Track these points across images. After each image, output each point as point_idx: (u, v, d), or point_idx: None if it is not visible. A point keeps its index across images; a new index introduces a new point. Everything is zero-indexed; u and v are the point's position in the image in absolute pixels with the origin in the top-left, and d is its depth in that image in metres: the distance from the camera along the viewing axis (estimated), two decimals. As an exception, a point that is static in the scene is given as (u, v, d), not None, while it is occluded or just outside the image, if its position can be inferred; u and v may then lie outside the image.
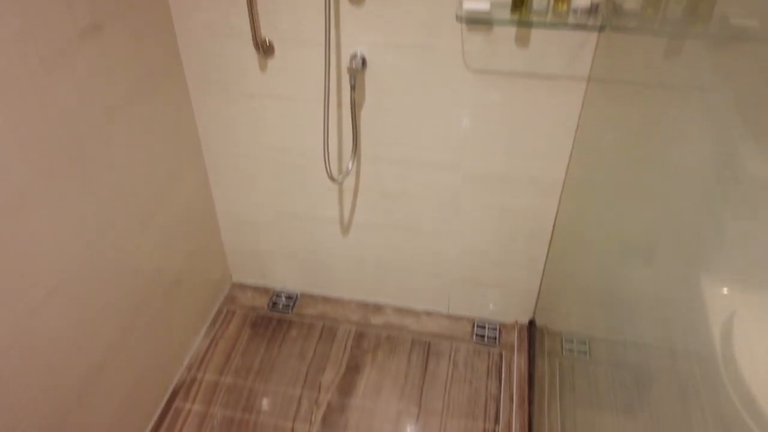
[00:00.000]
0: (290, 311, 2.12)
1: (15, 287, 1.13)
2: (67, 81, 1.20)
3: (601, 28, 1.32)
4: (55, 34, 1.15)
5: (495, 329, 2.04)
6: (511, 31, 1.41)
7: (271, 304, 2.14)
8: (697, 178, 0.80)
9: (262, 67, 1.60)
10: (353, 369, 1.91)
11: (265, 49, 1.54)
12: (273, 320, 2.08)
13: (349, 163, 1.73)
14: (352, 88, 1.53)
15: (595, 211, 1.35)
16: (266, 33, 1.53)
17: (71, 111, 1.22)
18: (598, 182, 1.34)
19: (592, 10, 1.33)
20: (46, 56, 1.13)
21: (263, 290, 2.20)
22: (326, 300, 2.16)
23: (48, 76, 1.14)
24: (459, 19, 1.35)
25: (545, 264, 1.87)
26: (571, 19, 1.34)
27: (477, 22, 1.38)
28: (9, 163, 1.08)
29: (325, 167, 1.61)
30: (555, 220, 1.75)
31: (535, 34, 1.41)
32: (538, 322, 1.97)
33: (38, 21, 1.10)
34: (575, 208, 1.56)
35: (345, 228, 1.93)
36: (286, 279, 2.16)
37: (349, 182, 1.81)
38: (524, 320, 2.06)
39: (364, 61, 1.53)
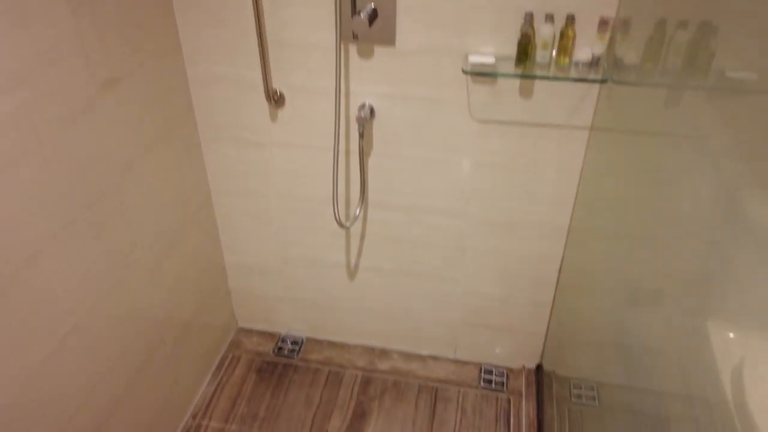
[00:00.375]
0: (296, 356, 2.11)
1: (28, 335, 1.14)
2: (85, 135, 1.24)
3: (602, 81, 1.37)
4: (75, 90, 1.20)
5: (502, 374, 2.03)
6: (515, 83, 1.46)
7: (276, 349, 2.13)
8: (701, 224, 0.82)
9: (273, 117, 1.65)
10: (360, 416, 1.89)
11: (276, 99, 1.60)
12: (279, 366, 2.07)
13: (356, 209, 1.76)
14: (361, 136, 1.58)
15: (601, 256, 1.36)
16: (277, 84, 1.59)
17: (88, 163, 1.26)
18: (604, 227, 1.37)
19: (593, 62, 1.38)
20: (66, 112, 1.18)
21: (269, 335, 2.19)
22: (332, 345, 2.15)
23: (67, 131, 1.19)
24: (465, 72, 1.40)
25: (552, 308, 1.88)
26: (573, 72, 1.39)
27: (482, 74, 1.43)
28: (27, 213, 1.11)
29: (334, 213, 1.64)
30: (561, 264, 1.76)
31: (539, 85, 1.46)
32: (546, 367, 1.96)
33: (59, 78, 1.15)
34: (581, 253, 1.58)
35: (351, 273, 1.94)
36: (292, 324, 2.16)
37: (356, 228, 1.83)
38: (531, 365, 2.05)
39: (372, 111, 1.58)
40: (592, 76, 1.38)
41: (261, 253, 1.97)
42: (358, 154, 1.66)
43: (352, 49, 1.50)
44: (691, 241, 0.86)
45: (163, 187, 1.56)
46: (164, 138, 1.54)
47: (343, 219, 1.80)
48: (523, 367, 2.05)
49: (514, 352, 2.02)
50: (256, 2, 1.41)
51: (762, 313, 0.61)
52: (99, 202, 1.31)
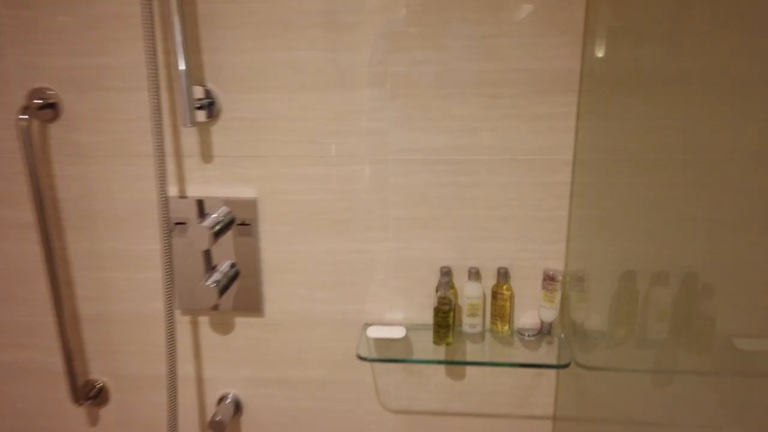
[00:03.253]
0: None
1: None
2: None
3: (562, 366, 0.94)
4: None
5: None
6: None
7: None
8: None
9: (91, 419, 1.11)
10: None
11: (93, 396, 1.08)
12: None
13: None
14: (219, 448, 1.05)
15: None
16: (98, 374, 1.08)
17: None
18: None
19: (544, 331, 0.97)
20: None
21: None
22: None
23: None
24: (362, 358, 0.95)
25: None
26: (517, 344, 0.97)
27: (389, 361, 0.99)
28: None
29: None
30: None
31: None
32: None
33: None
34: None
35: None
36: None
37: None
38: None
39: (238, 406, 1.08)
40: (543, 349, 0.97)
41: None
42: (220, 468, 1.11)
43: (204, 321, 1.04)
44: None
45: None
46: None
47: None
48: None
49: None
50: (51, 263, 0.96)
51: None
52: None
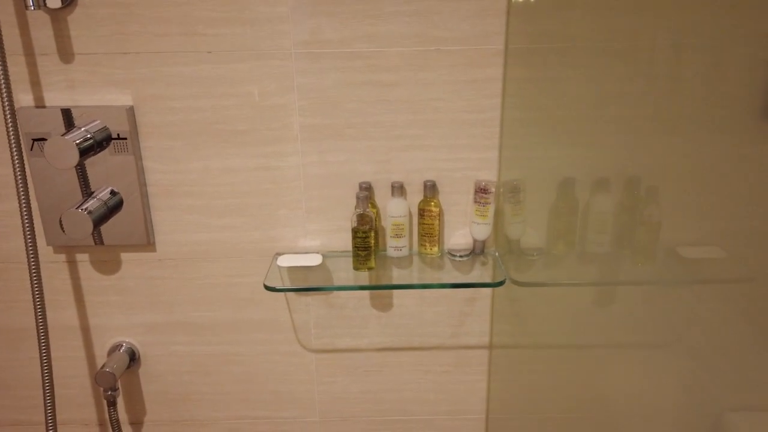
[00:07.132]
0: None
1: None
2: None
3: (497, 284, 0.84)
4: None
5: None
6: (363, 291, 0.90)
7: None
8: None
9: (-43, 383, 0.94)
10: None
11: (-46, 355, 0.91)
12: None
13: None
14: (111, 404, 0.90)
15: None
16: (-42, 328, 0.91)
17: None
18: None
19: (477, 250, 0.87)
20: None
21: None
22: None
23: None
24: (268, 288, 0.82)
25: None
26: (448, 266, 0.87)
27: (301, 290, 0.86)
28: None
29: None
30: None
31: (400, 290, 0.91)
32: None
33: None
34: None
35: None
36: None
37: None
38: None
39: (133, 356, 0.93)
40: (477, 271, 0.87)
41: None
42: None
43: (84, 259, 0.88)
44: None
45: None
46: None
47: None
48: None
49: None
50: None
51: None
52: None
